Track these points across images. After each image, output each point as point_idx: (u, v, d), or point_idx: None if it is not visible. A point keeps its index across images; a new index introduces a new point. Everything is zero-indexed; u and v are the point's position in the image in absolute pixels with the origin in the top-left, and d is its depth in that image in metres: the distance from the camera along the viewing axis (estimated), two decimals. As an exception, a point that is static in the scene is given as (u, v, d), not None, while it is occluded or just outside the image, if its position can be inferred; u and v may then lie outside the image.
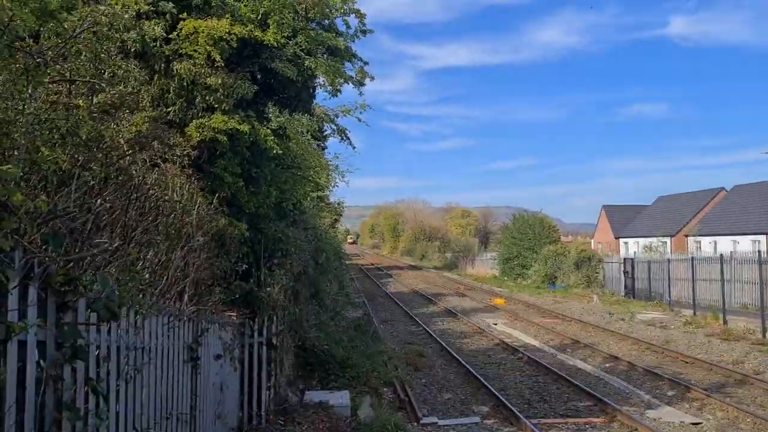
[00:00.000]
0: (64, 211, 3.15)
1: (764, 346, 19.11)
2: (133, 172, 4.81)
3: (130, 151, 4.79)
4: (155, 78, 8.35)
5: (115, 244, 3.79)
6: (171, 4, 7.87)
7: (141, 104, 7.22)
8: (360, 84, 11.11)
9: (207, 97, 8.49)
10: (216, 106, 8.56)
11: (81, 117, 3.75)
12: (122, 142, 4.91)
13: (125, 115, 5.73)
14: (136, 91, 6.39)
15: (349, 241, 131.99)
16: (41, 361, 3.09)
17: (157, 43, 8.23)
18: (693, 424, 11.54)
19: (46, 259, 3.07)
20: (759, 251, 25.16)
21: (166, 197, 6.09)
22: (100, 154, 3.95)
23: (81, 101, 4.17)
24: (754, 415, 11.64)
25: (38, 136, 3.35)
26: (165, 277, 5.73)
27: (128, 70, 6.19)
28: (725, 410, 12.27)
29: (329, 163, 25.00)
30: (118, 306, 3.78)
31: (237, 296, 9.11)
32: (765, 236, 44.88)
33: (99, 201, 3.60)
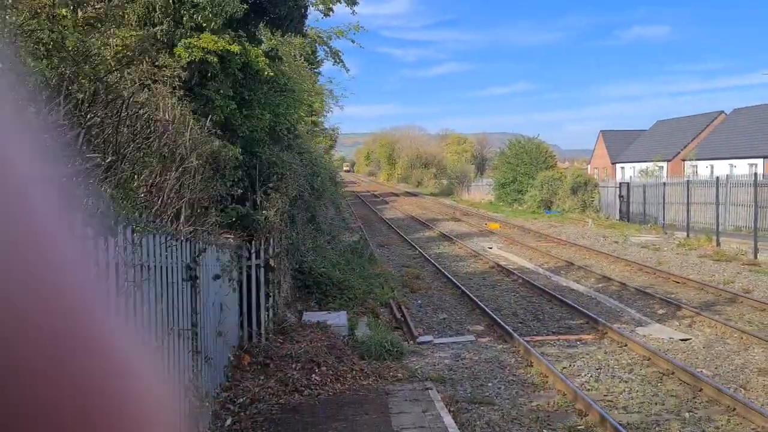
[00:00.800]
0: (54, 124, 3.12)
1: (755, 266, 19.41)
2: (123, 89, 4.74)
3: (118, 67, 4.71)
4: (141, -4, 8.13)
5: (108, 160, 3.78)
6: None
7: (126, 21, 7.05)
8: (353, 2, 10.85)
9: (195, 16, 8.27)
10: (205, 25, 8.35)
11: (66, 28, 3.67)
12: (109, 57, 4.82)
13: (111, 30, 5.60)
14: (121, 4, 6.23)
15: (345, 168, 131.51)
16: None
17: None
18: (682, 340, 11.84)
19: (39, 172, 3.06)
20: (755, 174, 25.21)
21: (158, 117, 6.03)
22: (88, 68, 3.89)
23: (65, 11, 4.07)
24: (741, 331, 11.94)
25: (23, 47, 3.28)
26: (160, 198, 5.75)
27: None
28: (714, 327, 12.57)
29: (324, 87, 24.74)
30: (114, 222, 3.81)
31: (233, 219, 9.16)
32: (762, 159, 44.91)
33: (89, 116, 3.56)
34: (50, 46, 3.48)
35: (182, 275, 5.82)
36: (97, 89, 3.83)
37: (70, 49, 3.65)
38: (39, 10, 3.52)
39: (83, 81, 3.78)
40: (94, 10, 4.59)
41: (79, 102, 3.54)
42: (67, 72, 3.47)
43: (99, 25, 4.79)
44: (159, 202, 5.63)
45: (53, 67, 3.47)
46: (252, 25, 10.19)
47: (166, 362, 5.14)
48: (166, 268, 5.28)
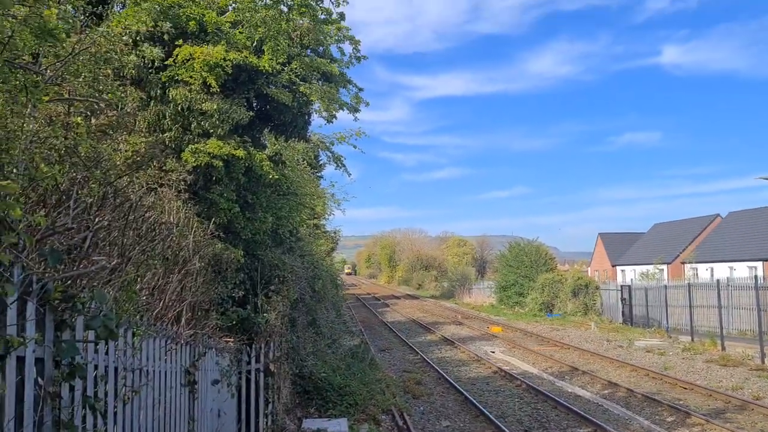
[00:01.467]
0: (62, 227, 3.15)
1: (763, 371, 19.02)
2: (131, 193, 4.82)
3: (128, 172, 4.80)
4: (151, 104, 8.41)
5: (113, 263, 3.79)
6: (169, 24, 7.95)
7: (137, 128, 7.26)
8: (355, 110, 11.20)
9: (202, 123, 8.53)
10: (211, 131, 8.60)
11: (79, 135, 3.78)
12: (119, 162, 4.92)
13: (122, 136, 5.75)
14: (133, 113, 6.43)
15: (347, 271, 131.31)
16: (39, 379, 3.07)
17: (153, 69, 8.30)
18: (694, 448, 11.43)
19: (45, 275, 3.07)
20: (756, 277, 25.16)
21: (163, 220, 6.09)
22: (98, 173, 3.97)
23: (80, 119, 4.19)
24: (756, 439, 11.55)
25: (37, 153, 3.37)
26: (162, 300, 5.71)
27: (125, 92, 6.23)
28: (726, 435, 12.18)
29: (325, 191, 25.12)
30: (116, 326, 3.77)
31: (234, 322, 9.08)
32: (761, 262, 44.96)
33: (97, 219, 3.61)
34: (63, 152, 3.57)
35: (181, 380, 5.69)
36: (106, 193, 3.90)
37: (82, 154, 3.75)
38: (54, 118, 3.63)
39: (93, 185, 3.85)
40: (106, 118, 4.74)
41: (88, 206, 3.59)
42: (78, 177, 3.55)
43: (111, 132, 4.93)
44: (161, 304, 5.60)
45: (65, 172, 3.54)
46: (257, 130, 10.49)
47: (161, 472, 4.94)
48: (165, 372, 5.18)
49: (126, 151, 5.64)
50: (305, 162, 19.07)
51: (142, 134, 7.48)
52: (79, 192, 3.54)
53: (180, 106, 8.42)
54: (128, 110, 5.71)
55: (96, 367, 3.61)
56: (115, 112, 5.22)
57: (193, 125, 8.56)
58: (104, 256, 3.88)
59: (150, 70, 8.54)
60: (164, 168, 7.97)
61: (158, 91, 8.50)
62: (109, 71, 5.31)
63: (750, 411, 14.31)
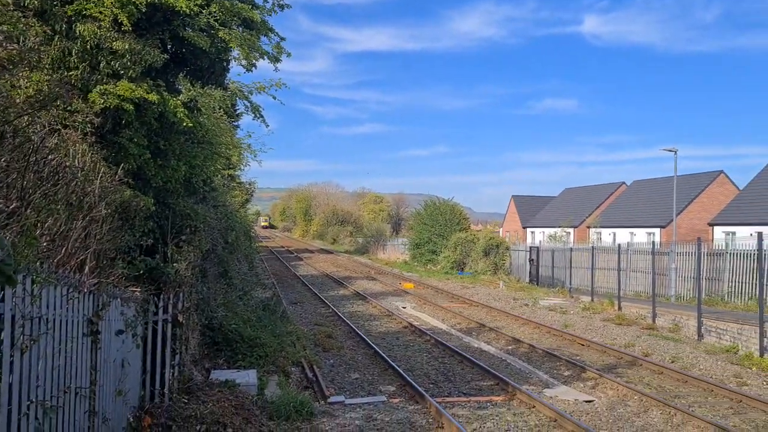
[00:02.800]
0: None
1: (653, 330, 20.29)
2: (32, 133, 4.55)
3: (29, 111, 4.52)
4: (56, 39, 7.90)
5: (12, 206, 3.59)
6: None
7: (41, 64, 6.83)
8: (276, 60, 10.91)
9: (112, 63, 8.11)
10: (122, 72, 8.19)
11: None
12: (19, 100, 4.62)
13: (24, 72, 5.40)
14: (36, 48, 6.03)
15: (263, 223, 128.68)
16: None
17: (59, 2, 7.80)
18: (586, 401, 12.13)
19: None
20: (653, 243, 26.57)
21: (67, 164, 5.81)
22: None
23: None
24: (641, 393, 12.37)
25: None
26: (64, 247, 5.48)
27: (27, 24, 5.82)
28: (616, 389, 12.96)
29: (242, 141, 24.58)
30: (14, 272, 3.60)
31: (142, 272, 8.83)
32: (659, 229, 47.49)
33: (-7, 159, 3.39)
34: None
35: (83, 330, 5.52)
36: (3, 132, 3.66)
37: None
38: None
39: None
40: (5, 51, 4.41)
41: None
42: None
43: (10, 67, 4.60)
44: (63, 251, 5.37)
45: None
46: (171, 74, 10.07)
47: (60, 423, 4.81)
48: (67, 321, 5.00)
49: (27, 88, 5.30)
50: (222, 110, 18.54)
51: (46, 72, 7.04)
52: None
53: (88, 43, 7.94)
54: (31, 45, 5.34)
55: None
56: (15, 45, 4.87)
57: (102, 65, 8.12)
58: (1, 199, 3.67)
59: (55, 2, 8.02)
60: (70, 108, 7.56)
61: (64, 26, 7.98)
62: (9, 0, 4.94)
63: (639, 366, 15.28)
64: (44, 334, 4.37)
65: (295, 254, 61.82)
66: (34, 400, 4.20)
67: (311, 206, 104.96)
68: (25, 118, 4.52)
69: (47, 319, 4.45)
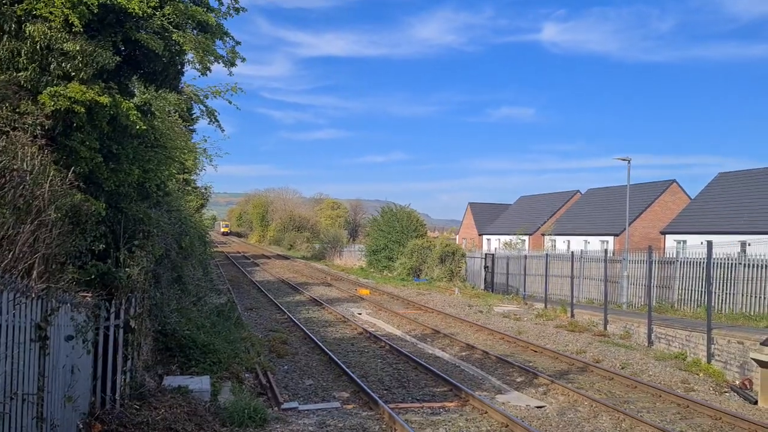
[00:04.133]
0: None
1: (604, 337, 20.71)
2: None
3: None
4: (4, 39, 7.74)
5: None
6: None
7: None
8: (231, 64, 10.87)
9: (63, 64, 7.97)
10: (73, 74, 8.06)
11: None
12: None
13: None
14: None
15: (223, 229, 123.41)
16: None
17: (8, 1, 7.65)
18: (537, 407, 12.34)
19: None
20: (605, 250, 27.12)
21: (15, 167, 5.71)
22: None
23: None
24: (591, 399, 12.64)
25: None
26: (11, 251, 5.40)
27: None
28: (567, 394, 13.22)
29: (197, 146, 24.37)
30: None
31: (93, 277, 8.70)
32: (613, 237, 48.56)
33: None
34: None
35: (31, 335, 5.43)
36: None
37: None
38: None
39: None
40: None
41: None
42: None
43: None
44: (10, 255, 5.28)
45: None
46: (124, 77, 9.95)
47: (7, 429, 4.72)
48: (14, 326, 4.92)
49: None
50: (177, 114, 18.38)
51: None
52: None
53: (38, 43, 7.80)
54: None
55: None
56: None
57: (52, 66, 7.98)
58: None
59: (4, 2, 7.86)
60: (19, 110, 7.41)
61: (13, 26, 7.82)
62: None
63: (590, 372, 15.60)
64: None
65: (252, 260, 61.30)
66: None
67: (268, 211, 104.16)
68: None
69: (-8, 324, 4.39)
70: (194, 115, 23.43)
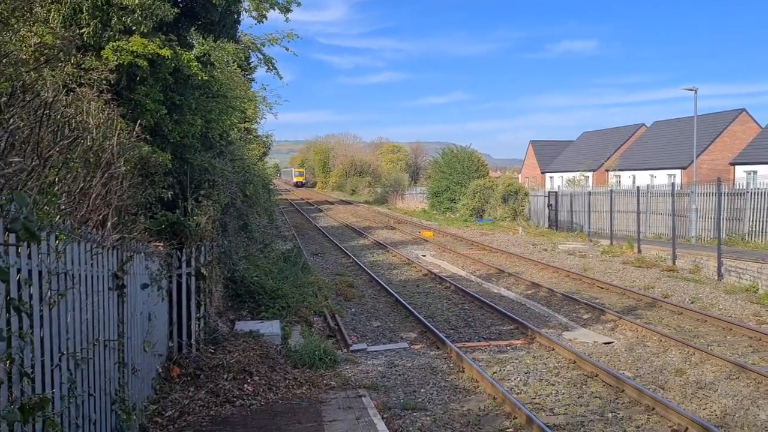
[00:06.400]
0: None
1: (673, 272, 20.27)
2: (42, 90, 4.56)
3: (36, 65, 4.52)
4: (67, -4, 7.88)
5: (31, 165, 3.65)
6: None
7: (51, 24, 6.81)
8: (286, 10, 10.81)
9: (124, 18, 8.07)
10: (134, 28, 8.16)
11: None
12: (25, 56, 4.62)
13: (24, 27, 5.37)
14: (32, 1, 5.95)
15: (296, 178, 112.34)
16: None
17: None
18: (605, 343, 12.25)
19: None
20: (673, 184, 26.30)
21: (83, 121, 5.86)
22: (10, 69, 3.73)
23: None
24: (660, 334, 12.46)
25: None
26: (85, 204, 5.58)
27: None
28: (635, 330, 13.06)
29: (257, 94, 24.51)
30: (38, 228, 3.69)
31: (163, 226, 8.97)
32: (680, 170, 46.94)
33: (11, 119, 3.44)
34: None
35: (109, 284, 5.66)
36: (14, 89, 3.68)
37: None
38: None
39: (3, 82, 3.63)
40: (4, 4, 4.38)
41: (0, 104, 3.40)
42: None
43: (12, 21, 4.58)
44: (85, 208, 5.47)
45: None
46: (183, 29, 10.02)
47: (91, 374, 4.98)
48: (92, 276, 5.13)
49: (29, 45, 5.27)
50: (235, 63, 18.46)
51: (49, 25, 7.00)
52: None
53: (98, -1, 7.93)
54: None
55: (19, 271, 3.54)
56: None
57: (113, 21, 8.09)
58: (20, 157, 3.73)
59: (64, -40, 7.97)
60: (83, 66, 7.58)
61: (74, -17, 7.95)
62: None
63: (658, 308, 15.35)
64: (71, 289, 4.49)
65: (315, 206, 62.11)
66: (65, 352, 4.35)
67: (329, 158, 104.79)
68: (32, 74, 4.53)
69: (73, 274, 4.58)
70: (252, 64, 23.52)
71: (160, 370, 8.27)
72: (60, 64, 6.71)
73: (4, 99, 3.56)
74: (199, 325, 9.62)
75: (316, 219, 46.25)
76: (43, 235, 3.82)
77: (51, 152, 4.19)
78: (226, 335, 10.46)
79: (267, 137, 35.44)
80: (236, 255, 13.58)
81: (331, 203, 67.74)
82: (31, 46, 5.17)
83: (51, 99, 4.35)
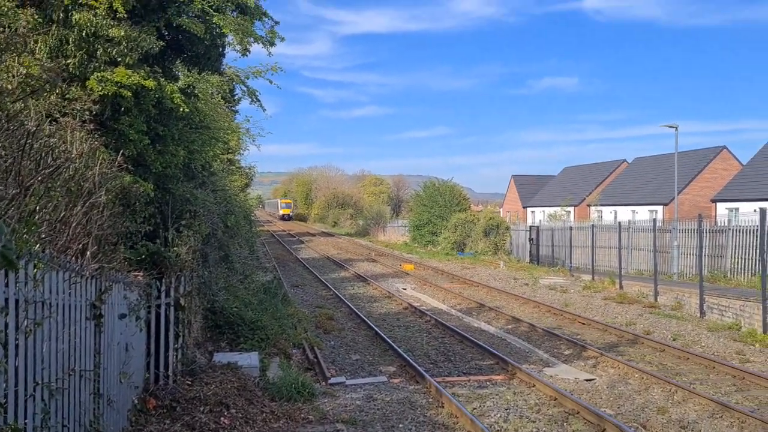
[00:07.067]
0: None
1: (655, 308, 20.40)
2: (25, 119, 4.58)
3: (22, 96, 4.55)
4: (53, 28, 7.94)
5: (12, 193, 3.66)
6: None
7: (38, 55, 6.86)
8: (270, 44, 10.94)
9: (109, 50, 8.14)
10: (119, 59, 8.23)
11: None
12: (11, 87, 4.65)
13: (12, 58, 5.42)
14: (23, 34, 6.04)
15: (282, 210, 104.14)
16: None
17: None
18: (587, 380, 12.26)
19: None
20: (654, 220, 26.60)
21: (66, 150, 5.87)
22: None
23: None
24: (642, 371, 12.49)
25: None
26: (65, 233, 5.57)
27: (18, 14, 5.84)
28: (617, 367, 13.09)
29: (240, 126, 24.59)
30: (16, 257, 3.68)
31: (144, 256, 8.93)
32: (662, 206, 47.53)
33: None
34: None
35: (86, 314, 5.62)
36: None
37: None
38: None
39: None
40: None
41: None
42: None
43: (4, 57, 4.64)
44: (64, 237, 5.45)
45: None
46: (168, 61, 10.12)
47: (66, 404, 4.93)
48: (70, 305, 5.10)
49: (15, 76, 5.32)
50: (219, 95, 18.57)
51: (44, 59, 7.07)
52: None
53: (85, 31, 7.98)
54: (21, 31, 5.36)
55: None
56: (2, 31, 4.89)
57: (99, 52, 8.16)
58: (1, 186, 3.74)
59: (52, -9, 8.05)
60: (68, 96, 7.61)
61: (61, 14, 8.01)
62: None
63: (640, 345, 15.40)
64: (48, 318, 4.47)
65: (297, 238, 61.98)
66: (40, 381, 4.30)
67: (312, 190, 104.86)
68: (18, 104, 4.56)
69: (50, 303, 4.55)
70: (236, 96, 23.64)
71: (136, 401, 8.16)
72: (45, 94, 6.74)
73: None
74: (176, 357, 9.53)
75: (297, 251, 46.13)
76: (22, 264, 3.82)
77: (32, 181, 4.20)
78: (203, 367, 10.36)
79: (250, 168, 35.47)
80: (216, 286, 13.51)
81: (313, 235, 67.64)
82: (15, 77, 5.21)
83: (34, 128, 4.38)
